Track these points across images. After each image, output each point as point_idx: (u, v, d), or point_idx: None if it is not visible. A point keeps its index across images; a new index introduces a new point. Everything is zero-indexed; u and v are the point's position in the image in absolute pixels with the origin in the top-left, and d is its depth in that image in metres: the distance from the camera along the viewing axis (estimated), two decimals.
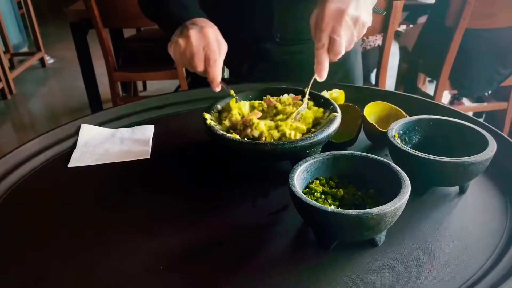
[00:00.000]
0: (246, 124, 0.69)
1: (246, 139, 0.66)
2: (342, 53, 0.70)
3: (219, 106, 0.75)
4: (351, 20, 0.69)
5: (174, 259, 0.56)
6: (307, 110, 0.73)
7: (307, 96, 0.75)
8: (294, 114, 0.70)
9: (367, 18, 0.71)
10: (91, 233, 0.61)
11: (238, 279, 0.52)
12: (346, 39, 0.69)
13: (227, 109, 0.74)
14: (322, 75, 0.70)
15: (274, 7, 0.94)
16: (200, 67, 0.73)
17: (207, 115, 0.71)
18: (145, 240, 0.59)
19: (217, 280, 0.52)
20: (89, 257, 0.57)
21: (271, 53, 0.99)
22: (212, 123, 0.70)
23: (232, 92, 0.76)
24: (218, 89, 0.74)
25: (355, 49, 1.10)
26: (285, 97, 0.77)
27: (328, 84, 0.89)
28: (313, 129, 0.69)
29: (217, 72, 0.73)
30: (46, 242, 0.60)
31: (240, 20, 0.97)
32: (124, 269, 0.55)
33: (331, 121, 0.68)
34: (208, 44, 0.73)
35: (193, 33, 0.73)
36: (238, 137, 0.67)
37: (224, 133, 0.67)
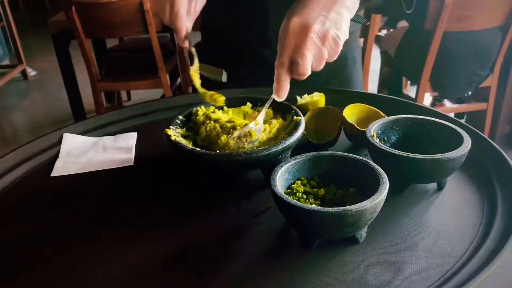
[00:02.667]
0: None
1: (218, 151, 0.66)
2: (307, 74, 0.63)
3: (180, 117, 0.74)
4: (317, 37, 0.61)
5: (159, 264, 0.56)
6: (266, 126, 0.71)
7: (262, 115, 0.70)
8: (237, 132, 0.67)
9: (339, 33, 0.62)
10: (74, 240, 0.61)
11: (223, 281, 0.53)
12: (314, 59, 0.62)
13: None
14: (280, 95, 0.64)
15: (269, 14, 0.94)
16: (165, 19, 0.71)
17: (170, 131, 0.69)
18: (129, 246, 0.59)
19: (201, 284, 0.53)
20: (73, 265, 0.57)
21: (267, 59, 1.00)
22: (178, 138, 0.68)
23: (193, 50, 0.72)
24: (184, 44, 0.71)
25: (354, 57, 1.08)
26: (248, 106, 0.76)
27: (308, 88, 0.90)
28: (280, 135, 0.70)
29: (179, 24, 0.69)
30: (30, 251, 0.60)
31: (236, 27, 0.98)
32: (109, 275, 0.55)
33: (296, 124, 0.69)
34: None
35: None
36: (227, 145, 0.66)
37: (193, 147, 0.66)
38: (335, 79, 1.05)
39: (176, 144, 0.66)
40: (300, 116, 0.71)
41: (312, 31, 0.60)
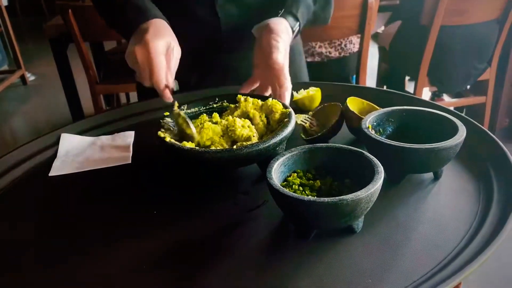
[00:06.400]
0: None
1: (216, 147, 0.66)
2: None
3: (167, 120, 0.74)
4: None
5: (157, 259, 0.56)
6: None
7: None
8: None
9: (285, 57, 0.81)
10: (74, 238, 0.62)
11: (220, 274, 0.53)
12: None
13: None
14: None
15: (220, 19, 0.94)
16: (147, 83, 0.73)
17: (163, 134, 0.68)
18: (128, 242, 0.60)
19: (200, 277, 0.53)
20: (70, 262, 0.57)
21: (219, 61, 1.00)
22: (173, 140, 0.67)
23: (176, 104, 0.74)
24: (170, 100, 0.73)
25: (299, 51, 1.11)
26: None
27: (304, 83, 0.91)
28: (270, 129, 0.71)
29: (161, 85, 0.72)
30: (29, 249, 0.60)
31: (187, 32, 0.97)
32: (108, 271, 0.55)
33: (288, 116, 0.70)
34: (150, 60, 0.72)
35: (138, 49, 0.73)
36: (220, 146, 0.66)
37: (192, 147, 0.65)
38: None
39: (172, 145, 0.65)
40: (289, 108, 0.72)
41: (285, 69, 0.79)
